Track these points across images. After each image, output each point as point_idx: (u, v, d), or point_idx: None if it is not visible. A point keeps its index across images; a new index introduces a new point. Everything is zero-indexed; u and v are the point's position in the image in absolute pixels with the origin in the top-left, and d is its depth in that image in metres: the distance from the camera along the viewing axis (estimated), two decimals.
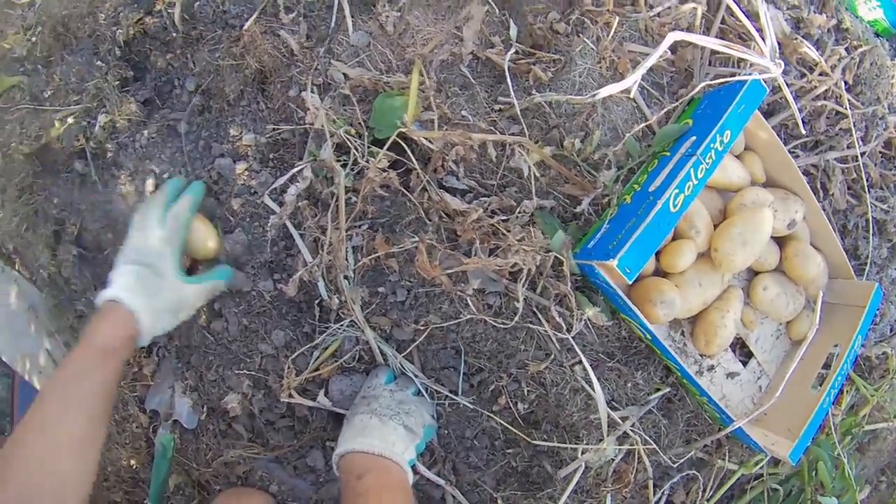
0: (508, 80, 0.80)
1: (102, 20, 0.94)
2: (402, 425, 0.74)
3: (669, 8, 0.91)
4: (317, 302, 0.85)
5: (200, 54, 0.89)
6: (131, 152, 0.94)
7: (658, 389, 0.87)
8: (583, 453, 0.82)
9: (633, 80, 0.80)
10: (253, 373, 0.90)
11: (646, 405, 0.86)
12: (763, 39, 0.89)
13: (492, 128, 0.80)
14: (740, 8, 0.91)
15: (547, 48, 0.86)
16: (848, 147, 0.97)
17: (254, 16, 0.86)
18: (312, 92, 0.81)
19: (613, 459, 0.87)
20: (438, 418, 0.86)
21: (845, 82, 0.99)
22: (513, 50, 0.83)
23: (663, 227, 0.72)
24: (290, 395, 0.85)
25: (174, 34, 0.91)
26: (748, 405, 0.96)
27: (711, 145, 0.77)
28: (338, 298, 0.81)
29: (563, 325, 0.77)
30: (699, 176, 0.75)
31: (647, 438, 0.85)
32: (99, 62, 0.91)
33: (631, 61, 0.87)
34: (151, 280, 0.72)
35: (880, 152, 1.02)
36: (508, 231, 0.75)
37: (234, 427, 0.93)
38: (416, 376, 0.84)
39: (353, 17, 0.85)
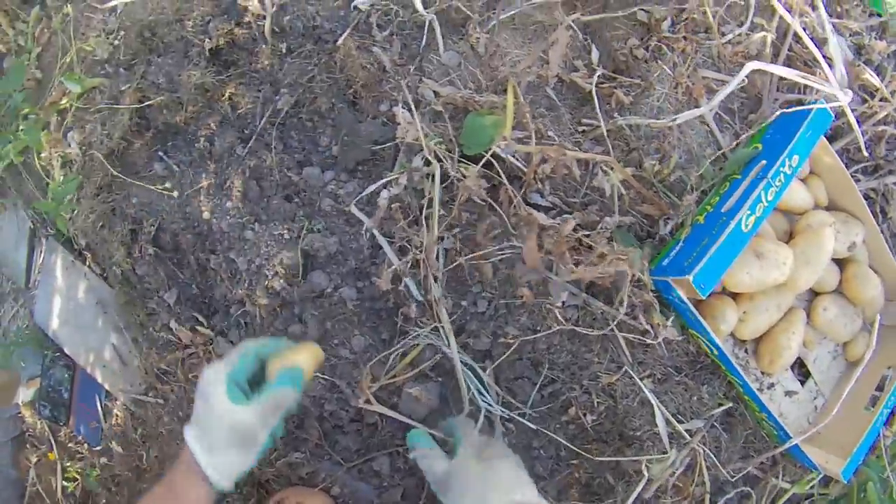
0: (596, 101, 0.89)
1: (190, 27, 1.04)
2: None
3: (741, 35, 1.00)
4: (400, 310, 0.94)
5: (291, 67, 0.98)
6: (215, 157, 1.03)
7: (721, 404, 0.96)
8: (647, 465, 0.90)
9: (710, 106, 0.90)
10: (328, 377, 0.98)
11: (710, 419, 0.94)
12: (831, 68, 0.98)
13: (577, 148, 0.89)
14: (808, 35, 1.01)
15: (627, 73, 0.95)
16: None
17: (347, 31, 0.95)
18: (404, 108, 0.90)
19: (675, 472, 0.96)
20: (507, 433, 0.95)
21: None
22: (597, 73, 0.92)
23: (736, 245, 0.82)
24: (367, 402, 0.93)
25: (263, 46, 1.00)
26: (804, 424, 1.05)
27: (781, 169, 0.86)
28: (422, 302, 0.90)
29: (641, 337, 0.85)
30: (769, 198, 0.85)
31: (708, 452, 0.93)
32: (189, 66, 1.00)
33: (705, 87, 0.97)
34: (204, 413, 0.69)
35: None
36: (592, 246, 0.84)
37: (303, 428, 1.02)
38: (487, 387, 0.92)
39: (444, 37, 0.94)
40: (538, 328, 0.91)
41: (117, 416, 1.25)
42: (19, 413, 1.44)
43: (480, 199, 0.86)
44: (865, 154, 1.03)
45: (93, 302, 1.20)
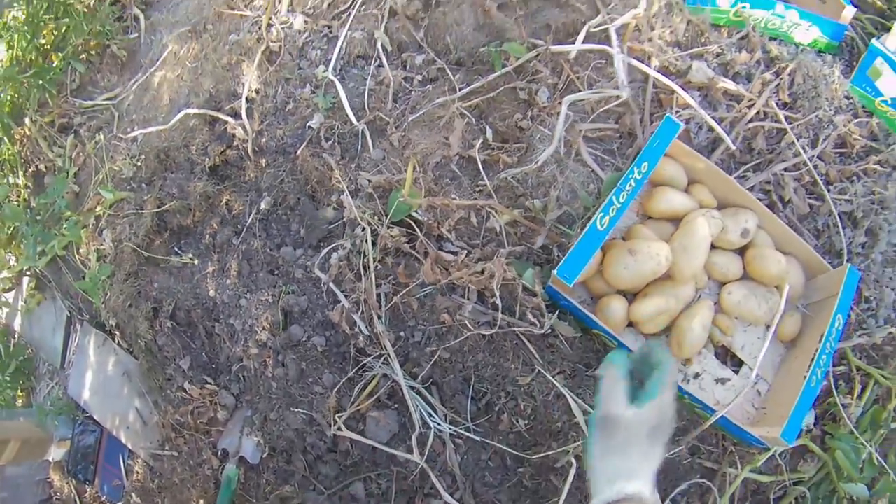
0: (479, 165, 1.19)
1: (194, 150, 1.49)
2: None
3: (602, 88, 1.24)
4: (353, 344, 1.21)
5: (268, 175, 1.39)
6: (216, 248, 1.43)
7: None
8: (573, 455, 1.04)
9: (556, 138, 1.14)
10: (307, 411, 1.24)
11: None
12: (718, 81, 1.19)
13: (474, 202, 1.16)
14: (665, 75, 1.22)
15: (515, 141, 1.23)
16: (794, 156, 1.18)
17: (303, 144, 1.35)
18: (347, 195, 1.25)
19: None
20: (456, 448, 1.12)
21: (781, 101, 1.21)
22: (482, 145, 1.22)
23: (593, 241, 1.01)
24: (339, 429, 1.17)
25: (248, 162, 1.43)
26: (750, 409, 1.11)
27: (630, 175, 1.06)
28: (370, 336, 1.17)
29: (537, 331, 1.05)
30: (621, 200, 1.04)
31: None
32: (195, 180, 1.43)
33: (582, 137, 1.20)
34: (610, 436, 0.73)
35: (834, 151, 1.20)
36: (487, 269, 1.08)
37: (291, 463, 1.26)
38: (435, 408, 1.13)
39: (372, 139, 1.31)
40: (464, 347, 1.13)
41: (137, 472, 1.51)
42: (48, 478, 1.71)
43: (403, 249, 1.15)
44: (732, 146, 1.16)
45: (120, 373, 1.53)
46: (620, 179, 1.10)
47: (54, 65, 1.86)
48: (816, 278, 1.15)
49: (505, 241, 1.14)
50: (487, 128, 1.28)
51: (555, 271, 1.00)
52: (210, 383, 1.39)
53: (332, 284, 1.24)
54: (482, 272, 1.06)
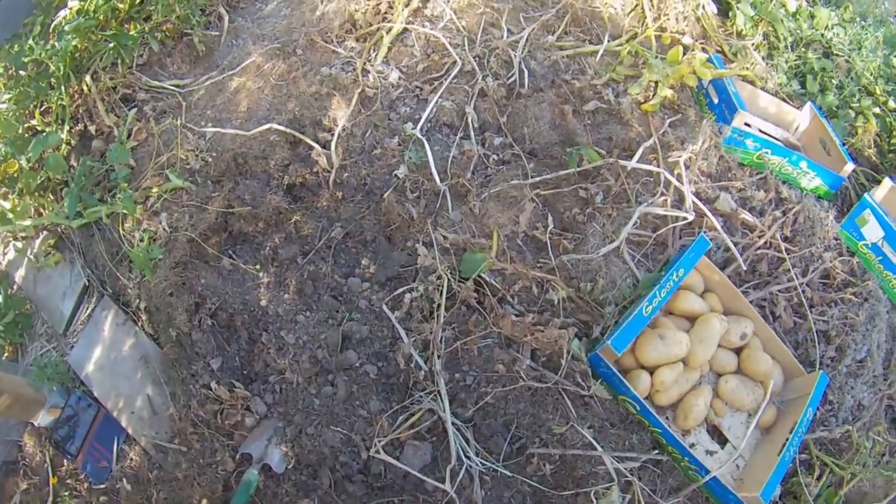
0: (549, 246, 1.44)
1: (272, 165, 1.63)
2: None
3: (652, 202, 1.54)
4: (404, 378, 1.41)
5: (346, 208, 1.59)
6: (276, 262, 1.58)
7: (648, 451, 1.35)
8: (595, 497, 1.28)
9: (619, 241, 1.42)
10: (346, 432, 1.40)
11: (643, 462, 1.33)
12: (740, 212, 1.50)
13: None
14: (696, 197, 1.53)
15: (571, 230, 1.51)
16: (788, 281, 1.51)
17: (390, 190, 1.58)
18: (423, 245, 1.49)
19: None
20: (483, 484, 1.31)
21: (784, 235, 1.55)
22: (550, 230, 1.48)
23: (639, 323, 1.30)
24: (377, 451, 1.34)
25: (325, 191, 1.63)
26: (729, 479, 1.39)
27: (671, 277, 1.35)
28: (427, 372, 1.39)
29: (581, 393, 1.30)
30: (662, 295, 1.33)
31: (644, 487, 1.31)
32: (269, 192, 1.57)
33: (628, 239, 1.49)
34: None
35: (819, 281, 1.55)
36: (543, 331, 1.33)
37: (316, 477, 1.37)
38: (468, 443, 1.34)
39: (452, 201, 1.55)
40: (509, 396, 1.37)
41: (133, 459, 1.48)
42: (20, 441, 1.62)
43: (471, 304, 1.40)
44: (743, 266, 1.49)
45: (137, 356, 1.51)
46: (658, 280, 1.39)
47: (131, 33, 1.85)
48: (793, 380, 1.46)
49: (560, 313, 1.40)
50: (549, 214, 1.55)
51: (609, 341, 1.27)
52: (238, 388, 1.44)
53: (397, 323, 1.44)
54: (542, 333, 1.31)
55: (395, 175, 1.62)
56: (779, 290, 1.51)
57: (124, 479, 1.45)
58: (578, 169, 1.56)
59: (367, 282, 1.56)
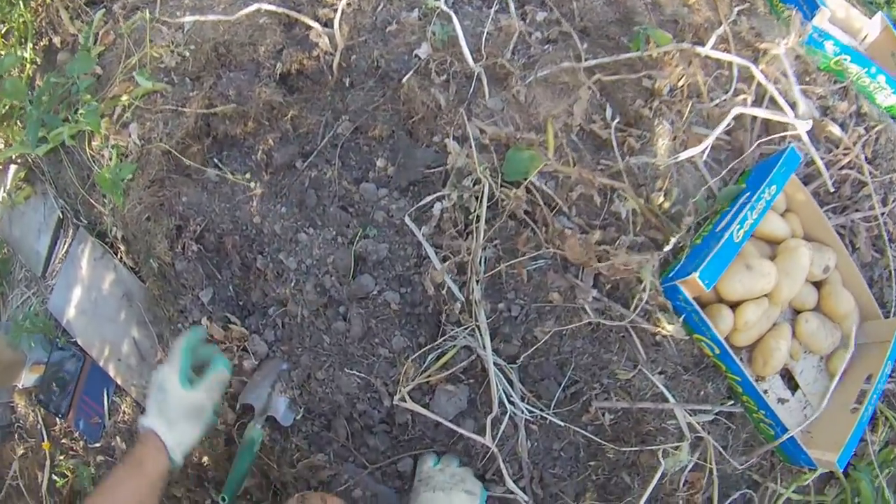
0: (615, 144, 1.11)
1: (263, 52, 1.24)
2: (463, 491, 0.97)
3: (726, 100, 1.25)
4: (444, 309, 1.10)
5: (354, 98, 1.20)
6: (272, 168, 1.21)
7: (723, 403, 1.11)
8: (661, 457, 1.04)
9: (705, 146, 1.12)
10: (365, 375, 1.10)
11: (718, 414, 1.10)
12: (793, 108, 1.23)
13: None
14: (780, 95, 1.26)
15: (635, 126, 1.18)
16: (869, 209, 1.30)
17: (410, 72, 1.18)
18: (454, 140, 1.12)
19: (686, 468, 1.09)
20: (529, 434, 1.07)
21: (865, 156, 1.32)
22: (613, 124, 1.15)
23: (730, 251, 1.03)
24: (403, 399, 1.05)
25: (329, 77, 1.22)
26: (798, 433, 1.19)
27: (762, 195, 1.09)
28: (463, 303, 1.06)
29: (653, 335, 1.02)
30: (754, 217, 1.07)
31: (716, 444, 1.08)
32: (259, 84, 1.18)
33: (697, 140, 1.20)
34: (162, 399, 0.94)
35: None
36: (613, 255, 1.03)
37: (330, 428, 1.10)
38: (513, 387, 1.06)
39: (489, 86, 1.18)
40: (564, 332, 1.07)
41: (125, 412, 1.29)
42: (11, 402, 1.47)
43: (518, 215, 1.06)
44: (831, 188, 1.25)
45: (118, 294, 1.28)
46: (738, 194, 1.12)
47: None
48: (867, 322, 1.27)
49: (630, 229, 1.10)
50: (609, 107, 1.22)
51: (696, 273, 0.99)
52: (234, 323, 1.16)
53: (424, 241, 1.10)
54: (609, 257, 1.01)
55: (416, 55, 1.23)
56: (860, 219, 1.30)
57: (118, 437, 1.28)
58: (643, 53, 1.22)
59: (385, 188, 1.20)
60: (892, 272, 1.30)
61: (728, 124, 1.16)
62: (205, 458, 1.18)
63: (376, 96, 1.20)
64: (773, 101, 1.27)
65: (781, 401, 1.20)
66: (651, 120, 1.20)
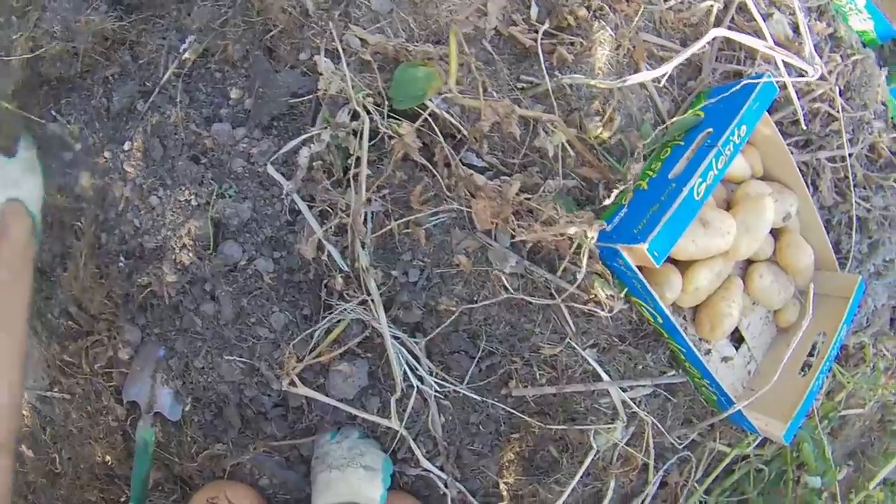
0: (541, 56, 0.84)
1: None
2: (360, 467, 0.83)
3: (683, 3, 0.99)
4: (324, 282, 0.86)
5: (201, 10, 0.87)
6: (113, 115, 0.91)
7: (664, 372, 0.95)
8: (594, 435, 0.88)
9: (666, 70, 0.87)
10: (247, 359, 0.89)
11: (656, 387, 0.93)
12: (799, 42, 1.00)
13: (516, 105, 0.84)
14: (757, 8, 1.00)
15: (568, 31, 0.91)
16: (837, 147, 1.10)
17: None
18: (327, 56, 0.82)
19: (618, 444, 0.94)
20: (442, 409, 0.90)
21: (840, 88, 1.11)
22: (542, 28, 0.87)
23: (689, 213, 0.80)
24: (292, 384, 0.86)
25: None
26: (738, 388, 1.06)
27: (730, 138, 0.85)
28: (348, 273, 0.83)
29: (589, 308, 0.82)
30: (719, 167, 0.84)
31: (654, 421, 0.92)
32: (88, 11, 0.86)
33: (646, 51, 0.94)
34: None
35: (866, 155, 1.17)
36: (533, 211, 0.79)
37: (222, 417, 0.93)
38: (420, 362, 0.87)
39: None
40: (475, 298, 0.85)
41: (24, 416, 1.12)
42: None
43: (412, 156, 0.79)
44: (803, 128, 1.05)
45: None
46: (699, 131, 0.89)
47: None
48: (822, 272, 1.11)
49: (559, 170, 0.85)
50: (534, 4, 0.93)
51: (644, 245, 0.76)
52: (105, 315, 0.92)
53: (295, 195, 0.83)
54: (550, 222, 0.77)
55: None
56: (826, 158, 1.10)
57: (23, 444, 1.13)
58: None
59: (242, 126, 0.90)
60: (853, 219, 1.13)
61: (702, 47, 0.91)
62: (108, 457, 1.00)
63: (224, 6, 0.87)
64: (742, 7, 1.02)
65: (725, 359, 1.04)
66: (590, 24, 0.93)
